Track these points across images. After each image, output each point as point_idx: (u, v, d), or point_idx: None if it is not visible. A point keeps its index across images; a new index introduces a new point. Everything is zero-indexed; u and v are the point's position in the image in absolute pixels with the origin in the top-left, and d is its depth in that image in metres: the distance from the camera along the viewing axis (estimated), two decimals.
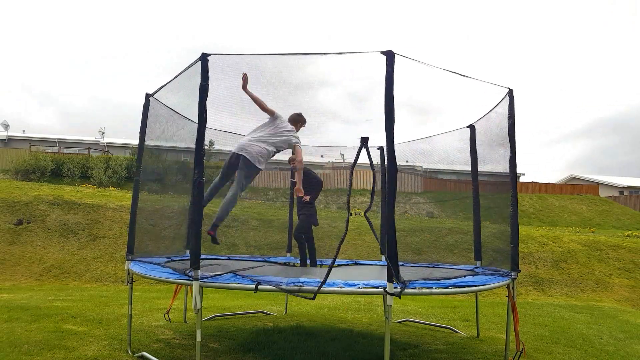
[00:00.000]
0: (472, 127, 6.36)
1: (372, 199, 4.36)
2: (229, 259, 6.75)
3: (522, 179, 38.20)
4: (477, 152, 6.33)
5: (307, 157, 7.79)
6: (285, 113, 5.73)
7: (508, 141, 5.02)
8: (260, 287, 3.87)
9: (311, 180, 6.63)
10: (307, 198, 6.47)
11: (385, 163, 5.11)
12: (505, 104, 5.14)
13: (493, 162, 5.68)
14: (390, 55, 3.82)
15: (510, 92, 5.08)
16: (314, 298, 3.78)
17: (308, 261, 6.73)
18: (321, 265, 6.63)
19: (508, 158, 5.02)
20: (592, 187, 34.61)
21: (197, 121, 4.16)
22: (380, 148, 7.22)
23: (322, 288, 3.81)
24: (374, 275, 5.83)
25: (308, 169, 6.79)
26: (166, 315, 6.53)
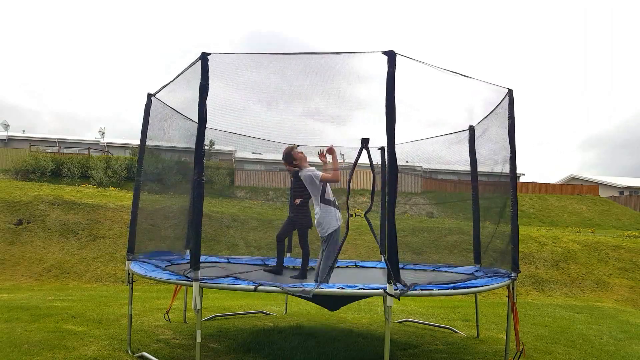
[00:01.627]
0: (471, 128, 6.37)
1: (372, 199, 4.36)
2: (229, 262, 6.74)
3: (522, 179, 38.17)
4: (478, 153, 6.33)
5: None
6: (285, 116, 5.71)
7: (508, 141, 5.02)
8: (259, 287, 3.87)
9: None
10: (298, 201, 6.30)
11: (386, 163, 5.11)
12: (505, 104, 5.14)
13: (493, 163, 5.68)
14: (391, 56, 3.82)
15: (510, 93, 5.08)
16: (311, 297, 3.77)
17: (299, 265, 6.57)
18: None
19: (508, 158, 5.02)
20: (592, 187, 34.59)
21: (197, 121, 4.16)
22: (382, 148, 7.22)
23: (322, 289, 3.81)
24: (374, 276, 5.84)
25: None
26: (166, 316, 6.53)
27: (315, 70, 4.79)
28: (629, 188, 40.75)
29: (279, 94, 5.25)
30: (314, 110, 5.69)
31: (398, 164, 3.84)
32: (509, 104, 5.04)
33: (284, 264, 6.43)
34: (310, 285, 3.85)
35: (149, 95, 5.48)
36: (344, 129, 6.04)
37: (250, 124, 5.79)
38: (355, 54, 4.22)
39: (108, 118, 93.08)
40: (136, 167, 5.72)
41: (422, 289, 3.89)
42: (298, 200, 6.22)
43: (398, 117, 3.78)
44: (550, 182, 35.55)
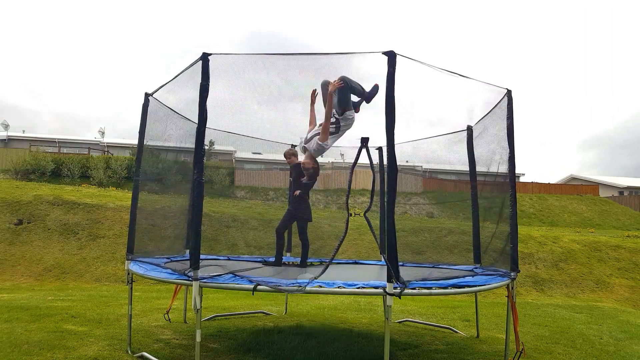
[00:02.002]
0: (469, 128, 6.38)
1: (371, 199, 4.37)
2: (229, 260, 6.74)
3: (522, 179, 38.18)
4: (477, 153, 6.34)
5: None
6: (285, 116, 5.71)
7: (506, 141, 5.02)
8: (259, 287, 3.88)
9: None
10: (297, 192, 6.18)
11: (385, 163, 5.11)
12: (504, 104, 5.14)
13: (492, 163, 5.68)
14: (391, 56, 3.82)
15: (509, 93, 5.08)
16: (303, 291, 3.75)
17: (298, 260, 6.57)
18: (321, 262, 6.60)
19: (506, 158, 5.02)
20: (592, 187, 34.58)
21: (196, 121, 4.16)
22: (379, 148, 7.21)
23: (322, 288, 3.81)
24: (374, 275, 5.84)
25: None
26: (166, 316, 6.54)
27: (316, 70, 4.80)
28: (629, 188, 40.74)
29: (279, 94, 5.25)
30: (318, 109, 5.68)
31: (398, 163, 3.84)
32: (507, 105, 5.05)
33: (283, 261, 6.42)
34: (304, 282, 3.85)
35: (147, 95, 5.47)
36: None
37: (251, 123, 5.80)
38: (355, 55, 4.23)
39: (108, 118, 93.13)
40: (135, 167, 5.72)
41: (421, 287, 3.89)
42: (297, 192, 6.16)
43: (398, 117, 3.78)
44: (550, 182, 35.55)
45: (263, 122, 5.71)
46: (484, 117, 5.90)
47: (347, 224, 4.14)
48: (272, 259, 6.41)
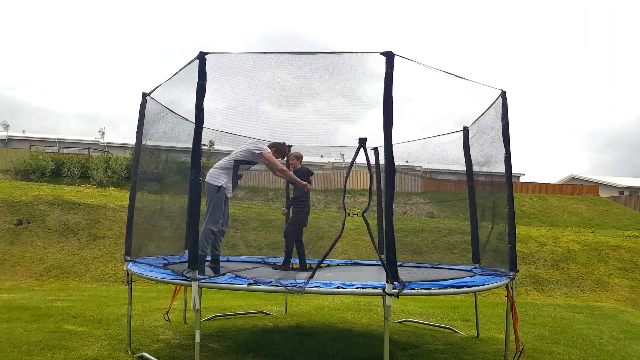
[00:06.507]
0: (465, 129, 6.40)
1: (369, 199, 4.37)
2: (228, 260, 6.75)
3: (522, 179, 38.17)
4: (475, 153, 6.35)
5: (307, 158, 7.76)
6: (284, 115, 5.70)
7: (501, 142, 5.03)
8: (256, 286, 3.89)
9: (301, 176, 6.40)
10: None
11: (381, 163, 5.11)
12: (499, 105, 5.15)
13: (491, 163, 5.69)
14: (389, 56, 3.83)
15: (503, 94, 5.09)
16: (302, 292, 3.77)
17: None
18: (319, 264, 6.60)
19: (502, 158, 5.03)
20: (592, 187, 34.57)
21: (194, 121, 4.16)
22: (375, 149, 7.20)
23: (321, 289, 3.83)
24: (373, 275, 5.84)
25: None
26: (166, 316, 6.54)
27: (324, 69, 4.77)
28: (629, 188, 40.74)
29: (286, 93, 5.23)
30: (322, 109, 5.68)
31: (397, 163, 3.85)
32: (502, 105, 5.06)
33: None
34: (301, 282, 3.86)
35: (144, 95, 5.47)
36: (354, 127, 6.04)
37: (257, 123, 5.78)
38: (358, 54, 4.23)
39: (108, 118, 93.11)
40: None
41: (420, 287, 3.89)
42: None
43: (397, 117, 3.79)
44: (550, 182, 35.53)
45: (262, 122, 5.70)
46: (479, 117, 5.92)
47: (344, 224, 4.14)
48: (272, 260, 6.43)
